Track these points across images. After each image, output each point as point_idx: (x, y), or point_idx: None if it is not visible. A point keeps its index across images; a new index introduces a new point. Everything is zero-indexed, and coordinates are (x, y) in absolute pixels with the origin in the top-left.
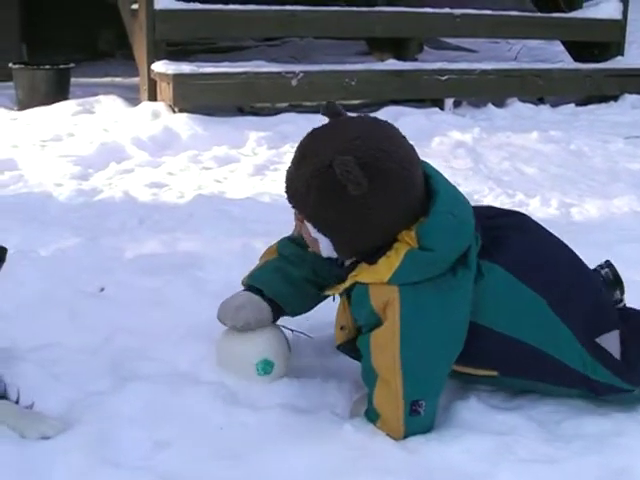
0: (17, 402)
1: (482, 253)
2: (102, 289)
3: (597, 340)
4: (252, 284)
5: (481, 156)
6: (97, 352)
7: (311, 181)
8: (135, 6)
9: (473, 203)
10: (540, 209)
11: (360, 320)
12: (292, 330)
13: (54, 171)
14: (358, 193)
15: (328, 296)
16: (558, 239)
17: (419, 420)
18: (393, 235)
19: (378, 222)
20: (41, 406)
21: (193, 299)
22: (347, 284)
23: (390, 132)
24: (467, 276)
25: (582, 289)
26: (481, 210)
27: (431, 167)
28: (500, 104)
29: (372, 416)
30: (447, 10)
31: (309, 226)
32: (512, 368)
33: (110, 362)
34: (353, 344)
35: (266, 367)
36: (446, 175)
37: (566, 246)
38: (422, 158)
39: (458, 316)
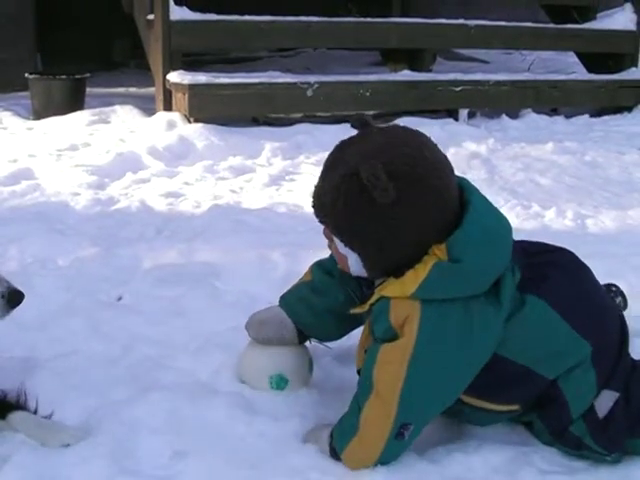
0: (36, 412)
1: (526, 286)
2: (120, 298)
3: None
4: (281, 305)
5: (496, 167)
6: (116, 361)
7: (337, 190)
8: (151, 17)
9: None
10: (556, 220)
11: (377, 335)
12: (311, 341)
13: (71, 181)
14: (385, 201)
15: (357, 322)
16: (599, 283)
17: (400, 444)
18: (424, 249)
19: (407, 234)
20: (60, 415)
21: (211, 309)
22: (373, 299)
23: (421, 140)
24: (498, 312)
25: (615, 340)
26: (530, 244)
27: (465, 180)
28: (514, 115)
29: (347, 431)
30: (461, 21)
31: (337, 241)
32: (531, 404)
33: (129, 371)
34: None
35: (280, 382)
36: None
37: (605, 291)
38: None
39: (478, 349)
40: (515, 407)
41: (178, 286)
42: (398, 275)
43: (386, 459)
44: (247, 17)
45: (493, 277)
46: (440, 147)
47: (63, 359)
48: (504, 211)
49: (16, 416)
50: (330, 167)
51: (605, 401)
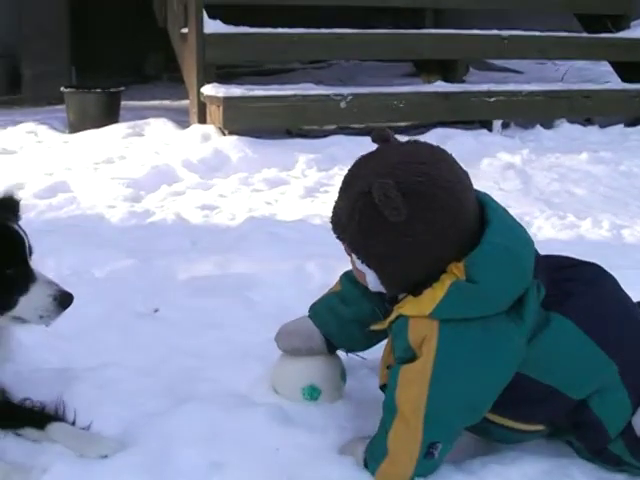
0: (74, 423)
1: (550, 303)
2: (156, 310)
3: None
4: (310, 315)
5: (531, 178)
6: (153, 373)
7: (352, 208)
8: (185, 30)
9: (524, 225)
10: (592, 231)
11: (398, 354)
12: (347, 352)
13: (106, 193)
14: (397, 219)
15: (385, 333)
16: (627, 295)
17: (431, 463)
18: (441, 267)
19: (422, 252)
20: (98, 426)
21: (247, 321)
22: (392, 317)
23: (439, 156)
24: (520, 328)
25: None
26: (554, 259)
27: (488, 196)
28: (548, 125)
29: (377, 454)
30: (495, 32)
31: (354, 257)
32: (561, 425)
33: (166, 383)
34: None
35: (312, 393)
36: (496, 197)
37: (635, 304)
38: (471, 180)
39: (499, 366)
40: (540, 427)
41: (214, 298)
42: (416, 293)
43: (419, 477)
44: (280, 29)
45: (512, 297)
46: (474, 158)
47: (100, 370)
48: (539, 222)
49: (54, 427)
50: (347, 184)
51: None
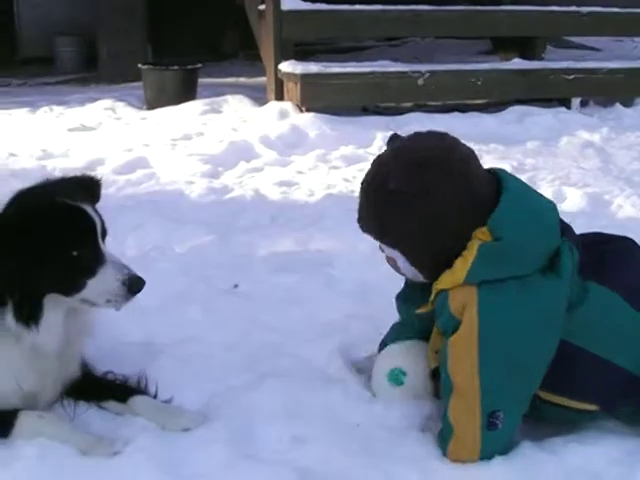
0: (156, 396)
1: (587, 273)
2: (236, 285)
3: None
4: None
5: (610, 156)
6: (233, 348)
7: (369, 196)
8: (262, 7)
9: (603, 203)
10: None
11: (442, 327)
12: None
13: (185, 169)
14: (408, 190)
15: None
16: None
17: (497, 435)
18: (465, 236)
19: (441, 221)
20: (180, 400)
21: (326, 297)
22: (432, 296)
23: (438, 134)
24: (558, 284)
25: None
26: (589, 235)
27: (503, 170)
28: (628, 103)
29: (446, 434)
30: (574, 8)
31: (384, 247)
32: (613, 401)
33: (247, 358)
34: None
35: (399, 376)
36: (575, 176)
37: None
38: (550, 158)
39: (544, 321)
40: (593, 407)
41: (294, 274)
42: (449, 266)
43: (488, 452)
44: (357, 6)
45: (542, 253)
46: (553, 136)
47: (182, 345)
48: (619, 201)
49: (137, 400)
50: (365, 183)
51: None
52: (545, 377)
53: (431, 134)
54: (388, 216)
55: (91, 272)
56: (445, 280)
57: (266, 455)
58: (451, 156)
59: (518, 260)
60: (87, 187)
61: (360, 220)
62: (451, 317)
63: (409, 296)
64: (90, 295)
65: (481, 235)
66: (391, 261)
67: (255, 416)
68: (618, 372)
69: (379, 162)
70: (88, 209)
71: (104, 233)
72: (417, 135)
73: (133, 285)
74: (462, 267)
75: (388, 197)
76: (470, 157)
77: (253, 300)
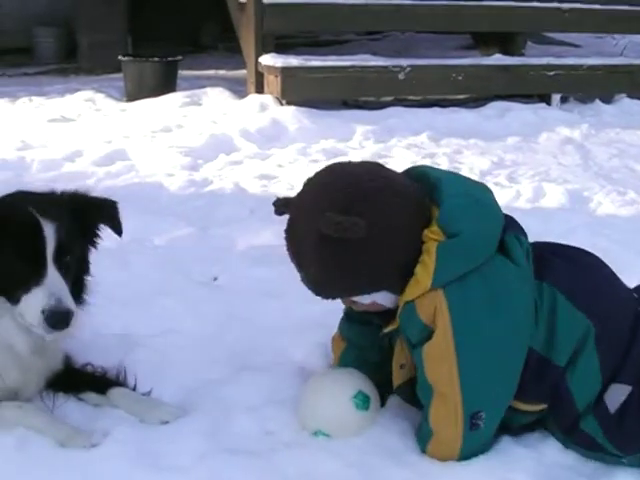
0: (135, 388)
1: (539, 274)
2: (215, 279)
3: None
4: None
5: (590, 153)
6: (213, 340)
7: (318, 262)
8: (243, 0)
9: (583, 200)
10: None
11: (413, 339)
12: None
13: (165, 162)
14: (362, 234)
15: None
16: (615, 274)
17: (478, 434)
18: (417, 240)
19: (399, 235)
20: (159, 392)
21: (305, 290)
22: (399, 310)
23: (343, 163)
24: (516, 269)
25: (625, 329)
26: (541, 243)
27: (425, 166)
28: (608, 100)
29: (424, 435)
30: (555, 4)
31: (358, 298)
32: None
33: (226, 351)
34: (412, 387)
35: (364, 400)
36: (555, 172)
37: (622, 283)
38: (530, 154)
39: (514, 307)
40: (542, 406)
41: (273, 267)
42: (410, 277)
43: (470, 451)
44: (339, 0)
45: (494, 237)
46: (533, 132)
47: (160, 337)
48: (599, 197)
49: (116, 392)
50: (293, 241)
51: (616, 395)
52: None
53: (330, 167)
54: (351, 268)
55: (26, 289)
56: (411, 292)
57: (243, 447)
58: (366, 185)
59: (476, 252)
60: (92, 209)
61: (323, 292)
62: (423, 326)
63: (352, 315)
64: (23, 312)
65: (432, 235)
66: (372, 306)
67: (233, 409)
68: (557, 371)
69: (303, 214)
70: (47, 226)
71: (61, 254)
72: (319, 185)
73: (51, 318)
74: (425, 273)
75: (336, 249)
76: (388, 170)
77: (231, 293)
